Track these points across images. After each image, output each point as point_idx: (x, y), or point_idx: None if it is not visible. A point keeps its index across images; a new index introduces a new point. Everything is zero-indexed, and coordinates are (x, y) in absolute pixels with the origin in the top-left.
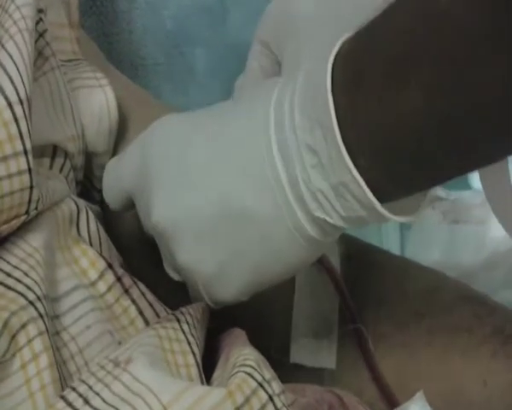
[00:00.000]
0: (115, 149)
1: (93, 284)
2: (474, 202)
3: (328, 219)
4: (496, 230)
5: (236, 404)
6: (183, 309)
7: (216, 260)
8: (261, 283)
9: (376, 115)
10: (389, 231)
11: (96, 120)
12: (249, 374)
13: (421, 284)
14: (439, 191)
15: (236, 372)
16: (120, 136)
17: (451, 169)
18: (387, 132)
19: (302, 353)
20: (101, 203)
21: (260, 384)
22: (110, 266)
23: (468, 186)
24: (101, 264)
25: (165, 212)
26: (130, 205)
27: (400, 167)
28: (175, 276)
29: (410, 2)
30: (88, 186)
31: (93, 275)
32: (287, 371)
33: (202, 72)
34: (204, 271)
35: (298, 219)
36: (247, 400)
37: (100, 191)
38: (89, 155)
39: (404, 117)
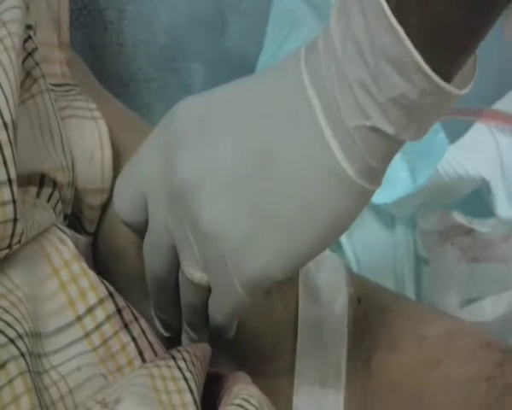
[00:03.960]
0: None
1: (81, 318)
2: (495, 238)
3: (366, 122)
4: None
5: None
6: (180, 348)
7: (244, 221)
8: (295, 248)
9: None
10: (404, 271)
11: (87, 154)
12: None
13: (438, 329)
14: (460, 218)
15: (237, 405)
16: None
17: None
18: None
19: (307, 401)
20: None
21: None
22: (111, 294)
23: (491, 214)
24: (102, 290)
25: (190, 170)
26: (142, 212)
27: (441, 11)
28: (196, 273)
29: None
30: (77, 226)
31: (92, 299)
32: None
33: (199, 89)
34: (231, 236)
35: (330, 149)
36: None
37: (90, 234)
38: (78, 192)
39: None
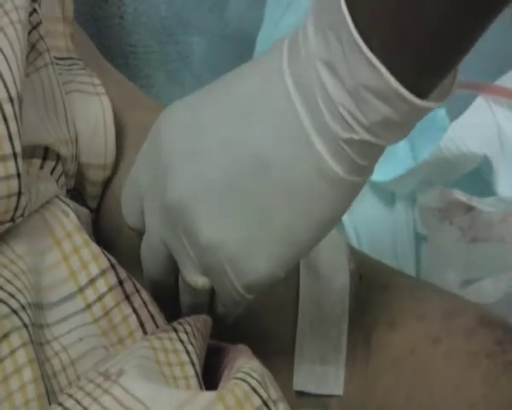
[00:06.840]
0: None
1: (82, 289)
2: (494, 217)
3: (354, 136)
4: None
5: None
6: (182, 320)
7: (242, 228)
8: (294, 245)
9: None
10: (404, 248)
11: (90, 130)
12: (253, 389)
13: (439, 307)
14: (460, 196)
15: (240, 379)
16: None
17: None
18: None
19: (307, 379)
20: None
21: (265, 403)
22: (113, 266)
23: (492, 193)
24: (104, 261)
25: (182, 186)
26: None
27: (417, 41)
28: (198, 280)
29: None
30: (79, 201)
31: (94, 270)
32: (290, 397)
33: (198, 62)
34: (231, 243)
35: (320, 155)
36: None
37: (93, 211)
38: (81, 168)
39: None
